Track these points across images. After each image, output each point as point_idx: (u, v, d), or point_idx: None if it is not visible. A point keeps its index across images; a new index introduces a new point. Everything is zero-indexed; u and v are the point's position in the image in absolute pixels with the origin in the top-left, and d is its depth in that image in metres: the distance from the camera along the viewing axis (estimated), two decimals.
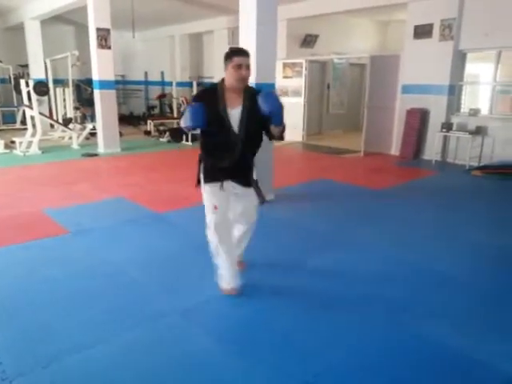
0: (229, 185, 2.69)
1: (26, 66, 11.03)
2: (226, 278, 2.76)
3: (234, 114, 2.57)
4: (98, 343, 2.24)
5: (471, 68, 7.47)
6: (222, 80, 2.64)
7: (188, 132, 2.40)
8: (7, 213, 4.37)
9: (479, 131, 6.87)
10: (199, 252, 3.41)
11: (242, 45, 4.59)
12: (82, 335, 2.30)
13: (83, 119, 10.22)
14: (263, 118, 2.49)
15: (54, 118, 9.75)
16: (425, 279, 3.02)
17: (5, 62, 11.19)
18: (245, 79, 2.56)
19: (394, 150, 8.11)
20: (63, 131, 9.03)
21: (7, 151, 7.97)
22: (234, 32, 10.82)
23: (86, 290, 2.80)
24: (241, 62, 2.51)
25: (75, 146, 8.58)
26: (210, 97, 2.58)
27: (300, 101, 9.73)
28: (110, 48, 7.88)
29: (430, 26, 7.21)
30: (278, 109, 2.42)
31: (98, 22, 7.64)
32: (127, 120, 12.64)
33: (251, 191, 2.76)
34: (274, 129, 2.56)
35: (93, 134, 9.16)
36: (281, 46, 9.06)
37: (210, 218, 2.70)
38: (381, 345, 2.26)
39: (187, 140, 9.16)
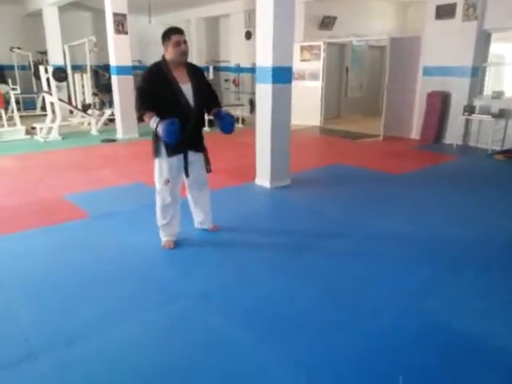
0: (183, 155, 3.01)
1: (45, 52, 11.14)
2: (167, 231, 3.17)
3: (186, 89, 2.87)
4: (117, 325, 2.30)
5: (495, 48, 7.21)
6: (164, 59, 2.86)
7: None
8: (28, 198, 4.48)
9: (503, 114, 6.68)
10: (218, 236, 3.46)
11: (259, 27, 4.54)
12: (103, 317, 2.37)
13: (101, 105, 10.31)
14: (209, 94, 3.03)
15: (73, 103, 9.87)
16: (442, 265, 2.99)
17: (24, 49, 11.33)
18: (185, 53, 2.84)
19: (415, 133, 7.95)
20: (82, 117, 9.14)
21: (28, 137, 8.13)
22: (250, 15, 10.68)
23: (106, 273, 2.87)
24: (179, 39, 2.78)
25: (94, 131, 8.69)
26: (159, 77, 2.81)
27: (318, 84, 9.56)
28: (126, 33, 7.88)
29: (453, 5, 6.98)
30: (232, 128, 3.05)
31: (114, 7, 7.63)
32: None
33: (202, 157, 3.15)
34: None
35: (111, 120, 9.25)
36: (298, 28, 8.91)
37: (161, 187, 3.04)
38: (399, 332, 2.26)
39: (204, 125, 9.13)
